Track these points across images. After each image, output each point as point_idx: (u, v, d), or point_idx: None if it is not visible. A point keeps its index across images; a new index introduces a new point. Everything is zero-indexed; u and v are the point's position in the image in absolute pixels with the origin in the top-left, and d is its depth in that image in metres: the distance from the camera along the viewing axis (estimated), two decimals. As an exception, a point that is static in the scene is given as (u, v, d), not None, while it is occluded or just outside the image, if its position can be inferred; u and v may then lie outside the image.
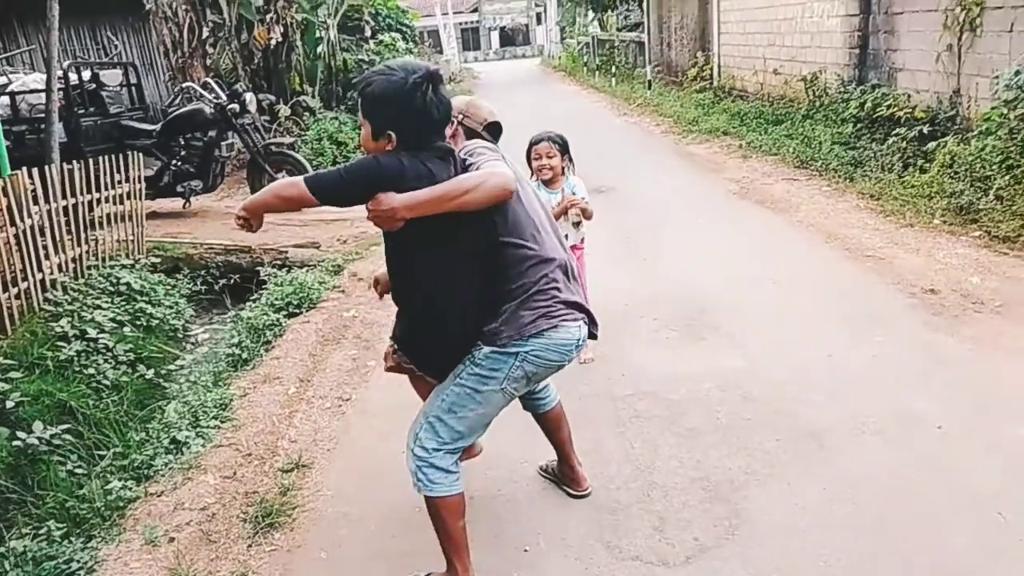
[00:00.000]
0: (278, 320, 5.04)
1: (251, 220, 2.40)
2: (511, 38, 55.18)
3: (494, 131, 2.82)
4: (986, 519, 2.70)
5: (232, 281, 6.65)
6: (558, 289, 2.48)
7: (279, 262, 6.75)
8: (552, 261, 2.50)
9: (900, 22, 9.15)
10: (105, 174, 6.12)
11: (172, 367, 5.01)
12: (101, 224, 5.96)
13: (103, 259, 5.92)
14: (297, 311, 5.26)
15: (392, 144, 2.29)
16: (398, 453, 3.37)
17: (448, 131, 2.60)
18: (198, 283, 6.50)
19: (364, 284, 5.78)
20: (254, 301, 5.44)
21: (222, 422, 3.87)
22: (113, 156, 6.29)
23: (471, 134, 2.75)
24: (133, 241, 6.38)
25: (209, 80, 8.58)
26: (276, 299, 5.29)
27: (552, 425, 3.05)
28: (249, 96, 8.14)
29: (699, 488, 3.06)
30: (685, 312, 4.80)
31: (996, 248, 5.40)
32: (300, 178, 2.32)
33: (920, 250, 5.58)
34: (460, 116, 2.75)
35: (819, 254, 5.82)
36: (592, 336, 2.67)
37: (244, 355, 4.64)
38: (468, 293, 2.45)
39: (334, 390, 4.21)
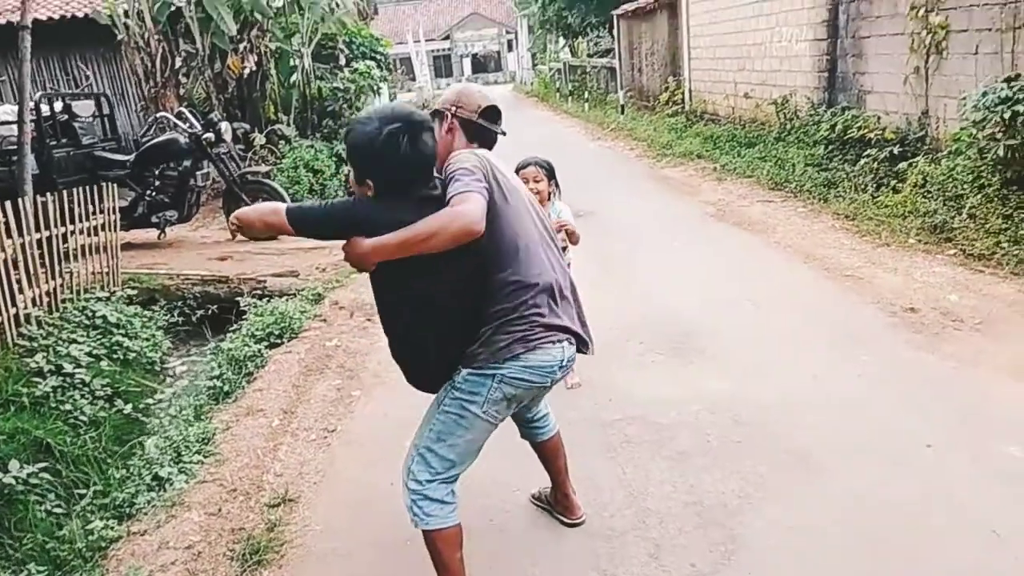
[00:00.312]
0: (259, 351, 4.97)
1: (242, 229, 2.42)
2: (483, 65, 55.60)
3: (491, 116, 2.70)
4: (982, 538, 2.71)
5: (210, 312, 6.56)
6: (539, 314, 2.43)
7: (258, 292, 6.68)
8: (534, 286, 2.43)
9: (867, 46, 9.36)
10: (79, 206, 6.03)
11: (151, 401, 4.90)
12: (75, 256, 5.86)
13: (78, 292, 5.82)
14: (279, 341, 5.20)
15: (371, 191, 2.30)
16: (386, 484, 3.34)
17: (443, 127, 2.61)
18: (175, 315, 6.40)
19: (346, 312, 5.73)
20: (234, 332, 5.36)
21: (205, 457, 3.78)
22: (86, 187, 6.21)
23: (467, 124, 2.64)
24: (108, 273, 6.27)
25: (183, 110, 8.52)
26: (257, 330, 5.22)
27: (550, 454, 3.02)
28: (224, 125, 8.10)
29: (693, 513, 3.04)
30: (670, 335, 4.81)
31: (972, 266, 5.49)
32: (283, 207, 2.34)
33: (898, 269, 5.65)
34: (453, 108, 2.64)
35: (798, 275, 5.87)
36: (581, 351, 2.63)
37: (226, 388, 4.56)
38: (449, 322, 2.43)
39: (319, 421, 4.15)
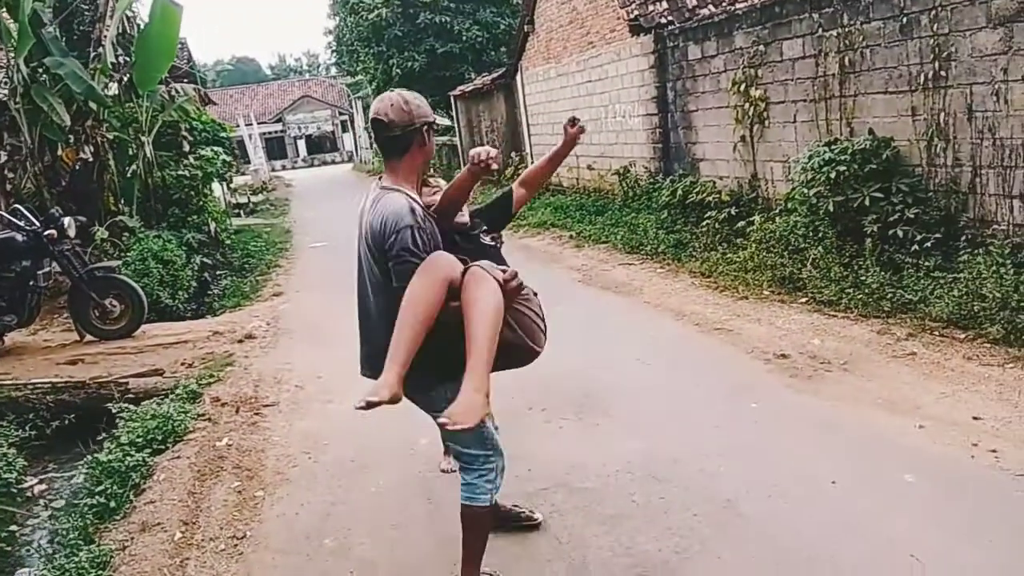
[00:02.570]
0: (143, 459, 4.58)
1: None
2: (319, 145, 55.35)
3: None
4: (903, 564, 2.94)
5: (67, 422, 5.98)
6: None
7: (119, 395, 6.17)
8: None
9: (696, 118, 10.24)
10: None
11: (15, 528, 4.37)
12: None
13: (-90, 414, 5.15)
14: (162, 447, 4.82)
15: None
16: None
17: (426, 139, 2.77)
18: (26, 429, 5.78)
19: (230, 409, 5.43)
20: (110, 440, 4.92)
21: (104, 584, 3.43)
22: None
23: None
24: (-56, 390, 5.61)
25: (18, 207, 7.87)
26: (136, 436, 4.82)
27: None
28: (68, 220, 7.53)
29: (636, 575, 3.10)
30: (571, 399, 4.93)
31: (824, 311, 6.05)
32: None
33: (760, 319, 6.12)
34: (423, 120, 2.72)
35: (674, 331, 6.22)
36: None
37: (111, 503, 4.15)
38: None
39: (225, 529, 3.87)
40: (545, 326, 2.91)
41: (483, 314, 2.42)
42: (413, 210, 2.63)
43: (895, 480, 3.52)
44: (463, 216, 3.03)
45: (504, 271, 2.57)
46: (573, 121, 3.08)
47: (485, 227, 3.15)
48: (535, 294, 2.90)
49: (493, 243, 3.13)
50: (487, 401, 2.44)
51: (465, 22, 24.50)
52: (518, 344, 2.78)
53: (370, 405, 2.36)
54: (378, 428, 4.80)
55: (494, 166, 2.61)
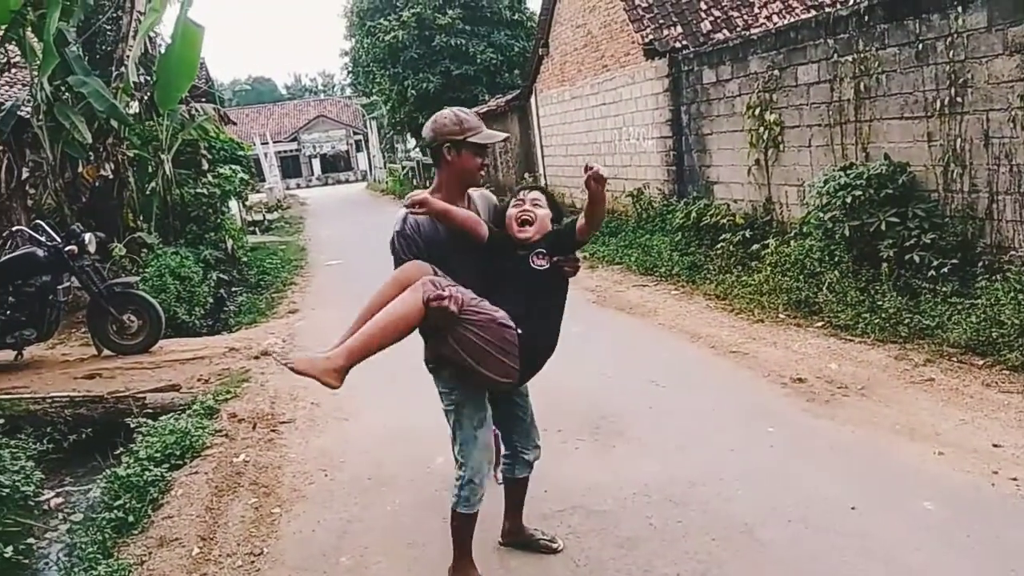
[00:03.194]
0: (161, 474, 4.61)
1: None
2: (333, 164, 55.83)
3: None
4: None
5: (84, 436, 6.04)
6: None
7: (136, 409, 6.22)
8: None
9: (710, 141, 10.28)
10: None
11: (33, 541, 4.40)
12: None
13: (-68, 426, 5.21)
14: (180, 462, 4.85)
15: None
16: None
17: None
18: (44, 442, 5.83)
19: (247, 425, 5.46)
20: (128, 454, 4.95)
21: (123, 599, 3.44)
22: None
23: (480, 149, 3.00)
24: (-35, 402, 5.67)
25: (40, 222, 7.98)
26: (154, 451, 4.85)
27: None
28: (88, 236, 7.64)
29: (656, 599, 3.09)
30: (588, 421, 4.93)
31: (841, 336, 6.04)
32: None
33: (777, 343, 6.11)
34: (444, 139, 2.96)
35: (690, 354, 6.22)
36: None
37: (129, 518, 4.18)
38: None
39: (242, 545, 3.88)
40: (512, 361, 2.88)
41: (385, 313, 2.75)
42: (404, 218, 3.01)
43: (914, 507, 3.50)
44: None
45: (440, 290, 2.71)
46: (587, 168, 2.72)
47: (543, 249, 3.01)
48: (518, 333, 2.86)
49: (543, 267, 2.99)
50: (333, 371, 2.81)
51: (480, 44, 24.75)
52: (462, 363, 2.87)
53: (296, 372, 2.85)
54: (394, 446, 4.83)
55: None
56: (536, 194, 3.14)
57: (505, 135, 3.70)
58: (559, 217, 3.16)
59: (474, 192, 3.15)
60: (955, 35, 6.09)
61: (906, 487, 3.68)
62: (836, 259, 6.80)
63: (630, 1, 11.91)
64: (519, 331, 2.86)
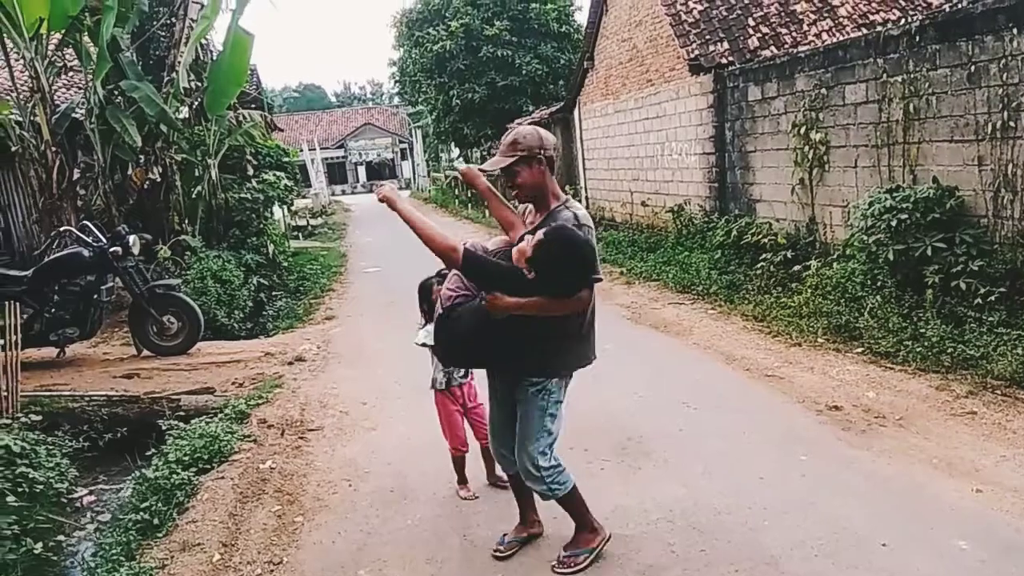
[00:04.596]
0: (188, 478, 4.66)
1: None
2: (378, 172, 56.43)
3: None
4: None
5: (119, 435, 6.14)
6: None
7: (170, 411, 6.32)
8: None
9: (754, 159, 10.13)
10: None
11: (63, 538, 4.48)
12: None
13: (-27, 420, 5.34)
14: (208, 466, 4.90)
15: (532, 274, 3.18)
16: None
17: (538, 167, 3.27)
18: (80, 440, 5.95)
19: (276, 431, 5.50)
20: (158, 456, 5.02)
21: (142, 603, 3.47)
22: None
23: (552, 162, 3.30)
24: (7, 397, 5.81)
25: (87, 223, 8.18)
26: (183, 454, 4.91)
27: None
28: (133, 238, 7.80)
29: (674, 629, 3.02)
30: (614, 441, 4.86)
31: (880, 363, 5.87)
32: (463, 246, 3.13)
33: (814, 368, 5.96)
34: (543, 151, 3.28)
35: (724, 376, 6.10)
36: None
37: (155, 520, 4.22)
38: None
39: (263, 553, 3.89)
40: None
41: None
42: None
43: (948, 546, 3.36)
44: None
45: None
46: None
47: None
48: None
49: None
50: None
51: (526, 56, 24.81)
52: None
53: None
54: (418, 459, 4.81)
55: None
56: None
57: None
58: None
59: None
60: (1009, 57, 5.91)
61: (941, 525, 3.54)
62: (879, 283, 6.63)
63: (676, 16, 11.83)
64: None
